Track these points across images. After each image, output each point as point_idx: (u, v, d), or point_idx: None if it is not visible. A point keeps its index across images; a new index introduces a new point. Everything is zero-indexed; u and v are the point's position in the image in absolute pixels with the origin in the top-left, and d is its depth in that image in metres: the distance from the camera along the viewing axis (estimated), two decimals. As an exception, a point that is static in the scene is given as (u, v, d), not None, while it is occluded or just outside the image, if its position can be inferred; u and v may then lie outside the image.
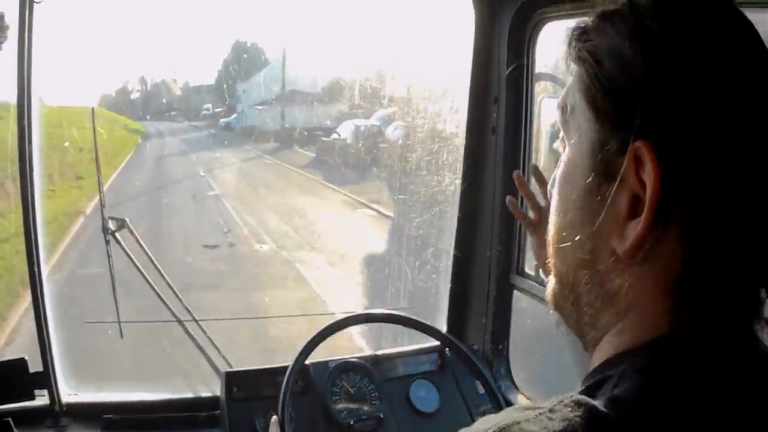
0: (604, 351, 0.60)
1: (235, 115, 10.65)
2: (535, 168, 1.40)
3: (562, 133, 0.65)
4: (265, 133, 10.33)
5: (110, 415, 1.79)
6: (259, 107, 9.96)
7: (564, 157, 0.64)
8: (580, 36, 0.60)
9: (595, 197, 0.58)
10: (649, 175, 0.53)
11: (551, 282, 0.67)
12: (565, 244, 0.62)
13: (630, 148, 0.54)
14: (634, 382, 0.52)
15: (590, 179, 0.59)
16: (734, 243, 0.54)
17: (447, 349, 1.84)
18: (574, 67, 0.61)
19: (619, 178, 0.56)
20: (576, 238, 0.61)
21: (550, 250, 0.66)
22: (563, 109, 0.63)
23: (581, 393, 0.55)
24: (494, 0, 1.85)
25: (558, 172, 0.65)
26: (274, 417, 1.41)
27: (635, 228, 0.55)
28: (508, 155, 1.90)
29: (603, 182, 0.58)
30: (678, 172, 0.53)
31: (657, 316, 0.56)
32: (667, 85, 0.53)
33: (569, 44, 0.61)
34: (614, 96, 0.56)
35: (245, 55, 9.01)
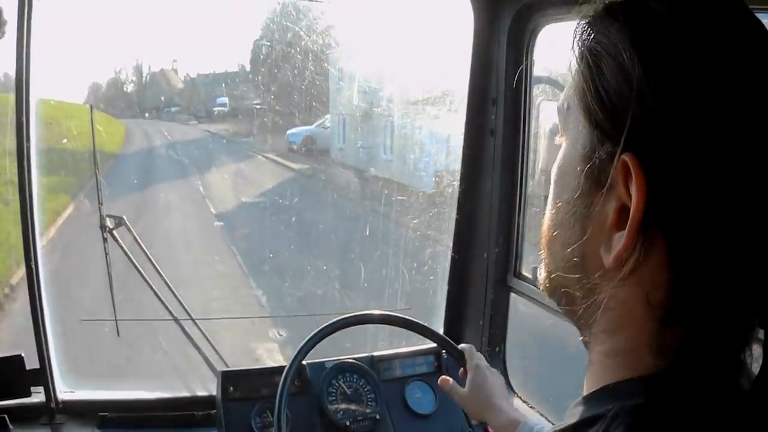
0: (596, 373, 0.60)
1: (322, 125, 6.94)
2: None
3: (559, 130, 0.64)
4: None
5: (106, 413, 1.78)
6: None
7: (560, 153, 0.63)
8: (585, 29, 0.59)
9: (584, 202, 0.58)
10: (635, 188, 0.52)
11: (542, 273, 0.66)
12: (556, 243, 0.62)
13: (617, 159, 0.53)
14: (621, 429, 0.51)
15: (580, 183, 0.58)
16: (723, 268, 0.52)
17: (444, 351, 1.84)
18: (574, 62, 0.60)
19: (607, 187, 0.55)
20: (566, 240, 0.60)
21: (542, 242, 0.65)
22: (562, 106, 0.63)
23: (571, 426, 0.56)
24: (493, 3, 1.85)
25: (553, 167, 0.64)
26: None
27: (620, 240, 0.54)
28: (506, 157, 1.91)
29: (592, 188, 0.57)
30: (665, 188, 0.52)
31: (642, 346, 0.55)
32: (662, 99, 0.52)
33: (573, 37, 0.59)
34: (607, 102, 0.55)
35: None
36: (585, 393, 0.60)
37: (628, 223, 0.53)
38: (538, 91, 1.92)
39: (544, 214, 0.65)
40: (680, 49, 0.52)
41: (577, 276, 0.59)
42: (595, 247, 0.57)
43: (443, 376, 1.53)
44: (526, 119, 1.88)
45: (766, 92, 0.52)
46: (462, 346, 1.57)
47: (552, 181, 0.64)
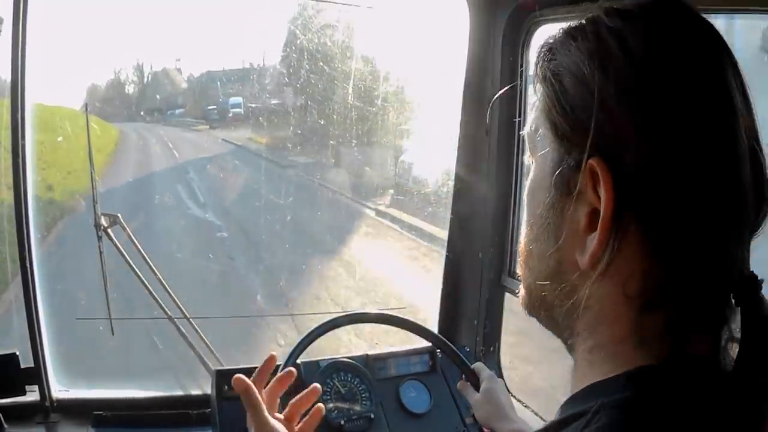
0: (581, 371, 0.62)
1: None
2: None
3: (529, 154, 0.68)
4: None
5: (101, 412, 1.78)
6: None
7: (531, 175, 0.66)
8: (546, 55, 0.62)
9: (556, 212, 0.61)
10: (603, 189, 0.55)
11: (521, 292, 0.70)
12: (532, 258, 0.65)
13: (584, 165, 0.56)
14: (603, 422, 0.53)
15: (551, 195, 0.61)
16: (693, 254, 0.55)
17: (438, 350, 1.84)
18: (538, 86, 0.63)
19: (575, 193, 0.58)
20: (542, 252, 0.63)
21: (520, 261, 0.68)
22: (530, 130, 0.66)
23: (558, 422, 0.58)
24: (489, 2, 1.86)
25: (526, 187, 0.67)
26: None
27: (593, 240, 0.57)
28: (501, 157, 1.91)
29: (563, 197, 0.60)
30: (632, 185, 0.55)
31: (623, 337, 0.57)
32: (621, 102, 0.55)
33: (536, 63, 0.64)
34: (571, 115, 0.58)
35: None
36: (572, 392, 0.62)
37: (600, 222, 0.56)
38: (533, 91, 1.92)
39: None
40: (635, 56, 0.56)
41: (555, 281, 0.62)
42: (570, 252, 0.60)
43: (461, 382, 1.63)
44: (522, 119, 1.89)
45: (713, 84, 0.56)
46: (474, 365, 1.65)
47: (526, 201, 0.67)
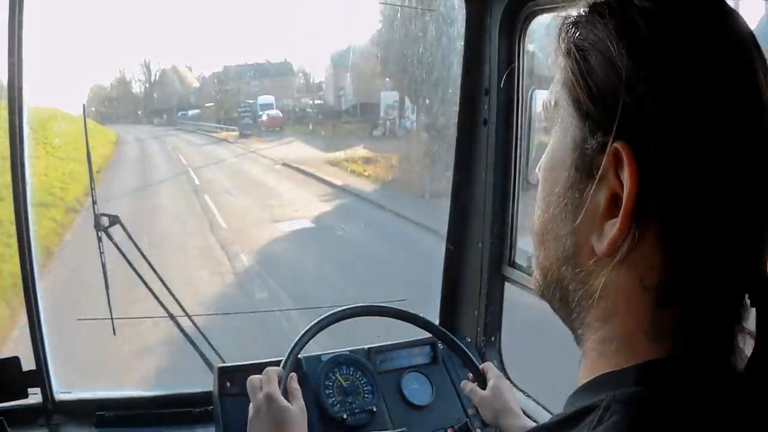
0: (590, 362, 0.60)
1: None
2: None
3: (546, 127, 0.66)
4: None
5: (103, 412, 1.79)
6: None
7: (547, 149, 0.64)
8: (570, 28, 0.60)
9: (575, 193, 0.59)
10: (626, 176, 0.53)
11: (535, 273, 0.67)
12: (548, 238, 0.63)
13: (609, 148, 0.54)
14: (615, 420, 0.52)
15: (571, 174, 0.59)
16: (713, 250, 0.54)
17: (439, 341, 1.84)
18: (560, 59, 0.61)
19: (598, 177, 0.56)
20: (559, 233, 0.61)
21: (534, 241, 0.66)
22: (548, 104, 0.64)
23: (567, 416, 0.56)
24: (485, -8, 1.84)
25: (542, 163, 0.65)
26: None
27: (612, 227, 0.55)
28: (500, 147, 1.90)
29: (583, 179, 0.58)
30: (656, 174, 0.53)
31: (637, 329, 0.56)
32: (650, 87, 0.53)
33: (558, 36, 0.61)
34: (597, 94, 0.56)
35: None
36: (579, 383, 0.61)
37: (621, 209, 0.54)
38: (530, 80, 1.91)
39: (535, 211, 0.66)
40: (666, 39, 0.54)
41: (570, 264, 0.60)
42: (586, 236, 0.58)
43: (465, 381, 1.67)
44: (520, 109, 1.88)
45: (743, 79, 0.54)
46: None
47: (542, 178, 0.65)
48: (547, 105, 0.64)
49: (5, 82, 1.66)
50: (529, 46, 1.85)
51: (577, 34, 0.59)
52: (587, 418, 0.54)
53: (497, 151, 1.90)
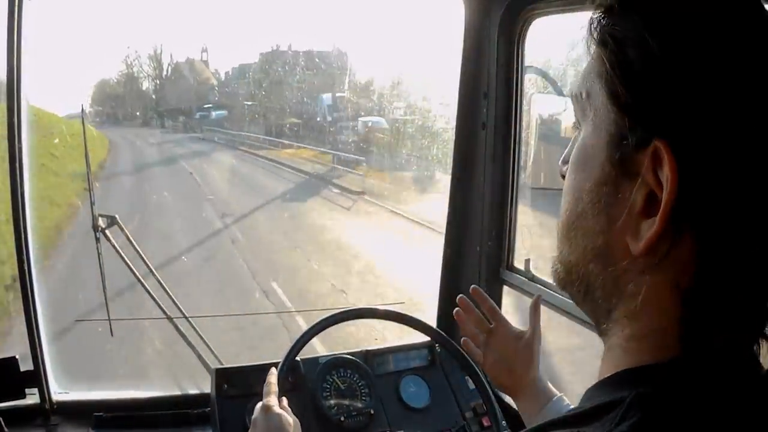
0: (614, 357, 0.59)
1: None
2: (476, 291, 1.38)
3: (575, 118, 0.63)
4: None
5: (101, 413, 1.78)
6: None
7: (579, 142, 0.62)
8: (604, 18, 0.58)
9: (610, 189, 0.57)
10: (666, 175, 0.52)
11: (557, 267, 0.65)
12: (576, 234, 0.61)
13: (650, 147, 0.53)
14: (638, 418, 0.51)
15: (606, 171, 0.57)
16: (750, 257, 0.53)
17: (437, 344, 1.84)
18: (594, 49, 0.58)
19: (640, 175, 0.54)
20: (588, 229, 0.59)
21: (559, 235, 0.64)
22: (579, 95, 0.61)
23: (586, 411, 0.55)
24: (485, -5, 1.85)
25: (572, 156, 0.63)
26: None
27: (649, 228, 0.54)
28: (498, 150, 1.91)
29: (619, 175, 0.56)
30: (697, 176, 0.51)
31: (667, 329, 0.55)
32: (692, 84, 0.51)
33: (590, 25, 0.58)
34: (636, 87, 0.54)
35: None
36: (600, 377, 0.60)
37: (660, 210, 0.52)
38: (529, 84, 1.92)
39: (563, 205, 0.64)
40: (711, 36, 0.52)
41: (602, 265, 0.59)
42: (620, 234, 0.56)
43: (464, 338, 1.37)
44: (518, 112, 1.88)
45: None
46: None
47: (571, 171, 0.62)
48: (578, 96, 0.61)
49: (5, 83, 1.67)
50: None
51: (612, 25, 0.56)
52: (609, 414, 0.53)
53: (495, 155, 1.91)
